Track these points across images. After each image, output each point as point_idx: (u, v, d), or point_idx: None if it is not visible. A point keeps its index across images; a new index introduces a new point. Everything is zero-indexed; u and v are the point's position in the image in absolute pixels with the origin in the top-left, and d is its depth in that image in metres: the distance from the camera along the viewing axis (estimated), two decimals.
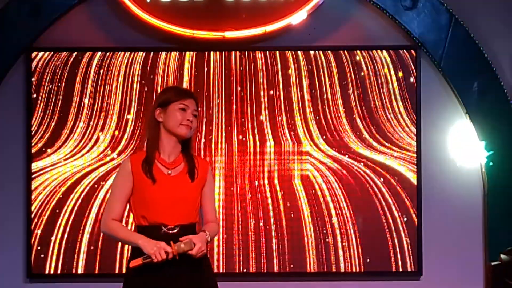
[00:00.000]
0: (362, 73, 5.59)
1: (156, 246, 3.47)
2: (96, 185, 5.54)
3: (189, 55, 5.57)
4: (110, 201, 3.68)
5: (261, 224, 5.55)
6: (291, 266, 5.55)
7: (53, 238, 5.53)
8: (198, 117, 3.74)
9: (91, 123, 5.56)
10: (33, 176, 5.54)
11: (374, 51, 5.59)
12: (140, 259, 3.47)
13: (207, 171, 3.73)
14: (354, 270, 5.55)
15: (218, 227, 3.79)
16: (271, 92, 5.58)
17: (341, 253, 5.55)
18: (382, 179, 5.57)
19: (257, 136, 5.56)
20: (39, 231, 5.53)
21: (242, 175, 5.55)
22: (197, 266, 3.59)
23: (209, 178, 3.74)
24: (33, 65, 5.55)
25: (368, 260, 5.55)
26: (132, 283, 3.59)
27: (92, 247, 5.52)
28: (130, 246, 3.63)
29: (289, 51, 5.58)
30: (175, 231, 3.57)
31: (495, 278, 5.45)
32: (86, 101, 5.56)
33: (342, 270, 5.55)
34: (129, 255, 3.67)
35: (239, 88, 5.57)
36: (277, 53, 5.58)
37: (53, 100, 5.56)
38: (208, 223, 3.71)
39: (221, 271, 5.49)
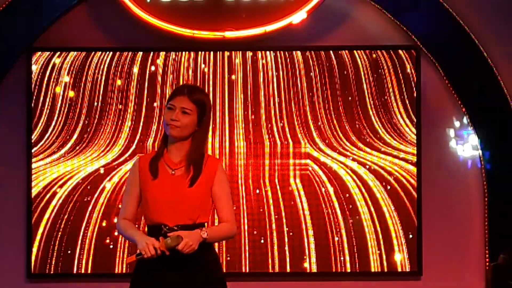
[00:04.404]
0: (362, 73, 5.58)
1: (145, 242, 3.48)
2: (96, 185, 5.54)
3: (189, 55, 5.57)
4: (122, 201, 3.74)
5: (261, 224, 5.55)
6: (291, 266, 5.56)
7: (53, 238, 5.54)
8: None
9: (91, 122, 5.56)
10: (33, 175, 5.55)
11: (374, 51, 5.59)
12: (134, 256, 3.52)
13: (216, 170, 3.64)
14: (354, 270, 5.55)
15: (231, 226, 3.65)
16: (271, 92, 5.58)
17: (341, 253, 5.56)
18: (381, 179, 5.56)
19: (257, 136, 5.56)
20: (39, 231, 5.53)
21: (242, 174, 5.54)
22: (201, 267, 3.58)
23: (218, 177, 3.64)
24: (33, 65, 5.55)
25: (368, 260, 5.55)
26: (136, 282, 3.62)
27: (92, 247, 5.53)
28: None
29: (289, 51, 5.58)
30: (175, 231, 3.54)
31: (495, 278, 5.44)
32: (86, 100, 5.57)
33: (342, 270, 5.56)
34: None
35: (239, 88, 5.57)
36: (277, 53, 5.59)
37: (53, 99, 5.56)
38: (220, 223, 3.67)
39: None
